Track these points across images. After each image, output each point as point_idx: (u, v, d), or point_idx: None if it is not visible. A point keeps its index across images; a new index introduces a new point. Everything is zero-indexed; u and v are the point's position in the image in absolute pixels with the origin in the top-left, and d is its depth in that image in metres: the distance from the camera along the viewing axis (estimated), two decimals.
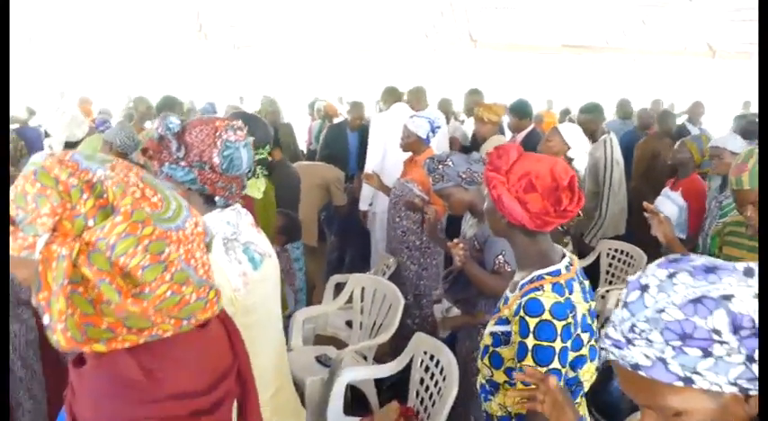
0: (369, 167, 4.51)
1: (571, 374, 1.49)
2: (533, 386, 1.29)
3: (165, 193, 0.96)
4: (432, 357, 2.54)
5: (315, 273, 4.69)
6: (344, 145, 5.80)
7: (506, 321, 1.53)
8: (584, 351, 1.50)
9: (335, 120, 7.12)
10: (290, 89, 8.89)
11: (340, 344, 3.44)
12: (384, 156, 4.42)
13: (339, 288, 3.63)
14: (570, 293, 1.49)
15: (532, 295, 1.46)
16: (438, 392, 2.42)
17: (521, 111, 4.55)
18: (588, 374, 1.53)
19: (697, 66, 10.33)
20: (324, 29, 9.19)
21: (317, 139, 7.30)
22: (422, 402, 2.55)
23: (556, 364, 1.42)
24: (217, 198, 1.61)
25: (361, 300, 3.43)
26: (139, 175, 0.95)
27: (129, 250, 0.86)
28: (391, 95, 4.80)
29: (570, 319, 1.44)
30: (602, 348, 0.87)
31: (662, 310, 0.78)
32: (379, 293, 3.34)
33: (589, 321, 1.53)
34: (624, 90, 9.03)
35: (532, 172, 1.48)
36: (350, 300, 3.50)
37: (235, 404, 1.13)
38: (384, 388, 3.19)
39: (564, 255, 1.59)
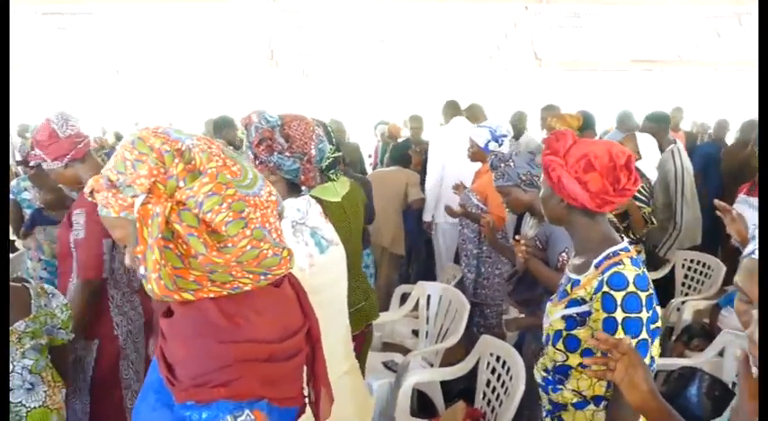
0: (429, 181, 4.60)
1: None
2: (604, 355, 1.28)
3: (243, 164, 1.06)
4: (498, 359, 2.54)
5: (393, 281, 4.75)
6: (409, 162, 5.89)
7: (580, 302, 1.55)
8: (659, 323, 1.50)
9: (399, 141, 7.24)
10: (358, 113, 9.12)
11: (406, 352, 3.46)
12: (444, 169, 4.50)
13: (406, 299, 3.68)
14: (644, 267, 1.52)
15: (615, 269, 1.48)
16: (505, 393, 2.41)
17: (583, 123, 4.50)
18: (656, 350, 1.51)
19: None
20: (389, 54, 9.43)
21: (381, 161, 7.45)
22: (489, 403, 2.53)
23: (644, 335, 1.44)
24: (303, 187, 1.72)
25: (427, 308, 3.46)
26: (220, 148, 1.06)
27: (214, 207, 0.96)
28: (451, 109, 4.88)
29: (651, 291, 1.48)
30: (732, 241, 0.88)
31: None
32: (444, 300, 3.36)
33: None
34: (699, 104, 8.72)
35: (590, 153, 1.52)
36: (416, 308, 3.54)
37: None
38: (452, 396, 3.18)
39: (623, 237, 1.61)
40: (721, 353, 2.97)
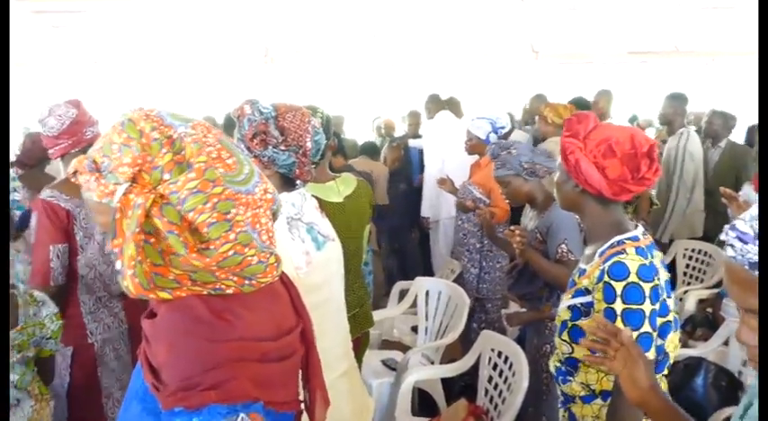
0: (428, 176, 4.56)
1: (659, 342, 1.43)
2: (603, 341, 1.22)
3: (240, 157, 0.98)
4: (500, 354, 2.50)
5: (377, 278, 4.71)
6: (407, 157, 5.85)
7: (585, 292, 1.50)
8: (670, 317, 1.44)
9: (395, 136, 7.19)
10: (355, 109, 9.05)
11: (406, 350, 3.42)
12: (443, 163, 4.46)
13: (403, 295, 3.63)
14: (652, 257, 1.46)
15: (616, 259, 1.42)
16: (508, 389, 2.36)
17: (581, 107, 4.46)
18: (672, 345, 1.46)
19: None
20: (385, 49, 9.36)
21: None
22: (491, 400, 2.49)
23: (647, 328, 1.37)
24: (298, 181, 1.65)
25: (426, 304, 3.41)
26: (217, 137, 0.97)
27: (197, 206, 0.89)
28: (435, 103, 4.84)
29: (657, 281, 1.41)
30: (721, 241, 0.83)
31: None
32: (443, 295, 3.32)
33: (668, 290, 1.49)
34: (695, 94, 8.64)
35: (612, 137, 1.46)
36: (414, 305, 3.49)
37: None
38: (454, 393, 3.14)
39: (637, 225, 1.55)
40: (726, 343, 2.93)
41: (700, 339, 3.40)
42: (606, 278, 1.41)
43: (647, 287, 1.38)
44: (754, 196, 3.34)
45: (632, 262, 1.41)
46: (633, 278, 1.38)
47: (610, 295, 1.39)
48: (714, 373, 2.66)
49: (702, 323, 3.68)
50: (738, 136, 5.49)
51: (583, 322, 1.48)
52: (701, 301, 3.74)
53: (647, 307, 1.37)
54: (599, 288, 1.43)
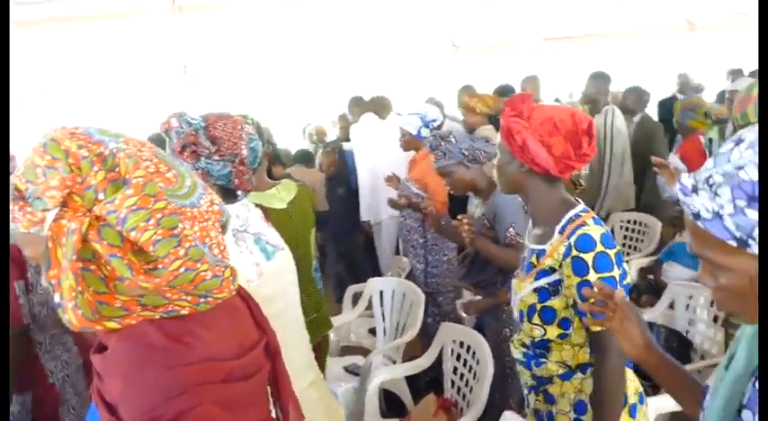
0: (361, 179, 4.56)
1: None
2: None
3: (180, 170, 0.93)
4: (461, 344, 2.50)
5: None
6: (343, 161, 5.81)
7: (549, 271, 1.50)
8: (629, 279, 1.48)
9: (327, 141, 7.14)
10: (285, 118, 8.93)
11: (366, 353, 3.37)
12: (375, 164, 4.46)
13: (356, 299, 3.59)
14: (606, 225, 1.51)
15: (581, 231, 1.45)
16: (474, 377, 2.36)
17: (507, 94, 4.56)
18: None
19: (677, 42, 10.38)
20: (306, 56, 9.29)
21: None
22: (459, 391, 2.49)
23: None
24: (239, 192, 1.59)
25: (381, 305, 3.38)
26: (153, 151, 0.92)
27: (140, 224, 0.83)
28: (358, 106, 4.85)
29: (618, 247, 1.46)
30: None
31: (741, 167, 0.73)
32: (397, 294, 3.30)
33: None
34: (614, 75, 9.02)
35: (555, 116, 1.49)
36: (369, 307, 3.46)
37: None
38: (421, 390, 3.12)
39: (578, 200, 1.58)
40: (672, 306, 3.05)
41: (645, 305, 3.53)
42: (574, 252, 1.43)
43: (612, 253, 1.43)
44: (682, 165, 3.51)
45: (595, 232, 1.44)
46: (600, 247, 1.42)
47: (581, 268, 1.42)
48: (665, 336, 2.77)
49: (646, 290, 3.83)
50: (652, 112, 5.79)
51: (552, 301, 1.49)
52: (641, 270, 3.89)
53: (615, 272, 1.42)
54: (567, 263, 1.44)
